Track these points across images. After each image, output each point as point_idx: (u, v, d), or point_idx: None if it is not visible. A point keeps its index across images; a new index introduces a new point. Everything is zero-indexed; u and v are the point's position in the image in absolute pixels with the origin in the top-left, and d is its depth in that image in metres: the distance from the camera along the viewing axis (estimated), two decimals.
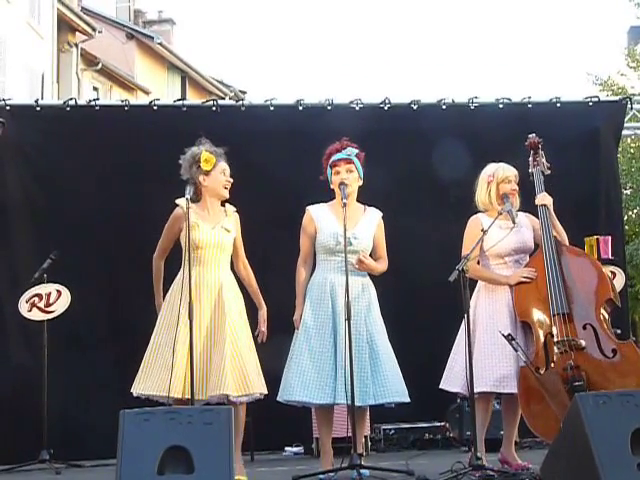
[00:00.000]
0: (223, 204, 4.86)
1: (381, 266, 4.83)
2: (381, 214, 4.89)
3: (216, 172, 4.76)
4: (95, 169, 6.30)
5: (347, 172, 4.75)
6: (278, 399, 4.64)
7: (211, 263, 4.72)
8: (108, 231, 6.25)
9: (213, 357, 4.54)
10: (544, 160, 5.05)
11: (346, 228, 4.52)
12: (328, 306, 4.66)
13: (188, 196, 4.53)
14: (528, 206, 4.93)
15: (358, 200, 4.83)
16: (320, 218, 4.79)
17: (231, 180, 4.79)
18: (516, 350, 4.47)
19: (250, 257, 4.90)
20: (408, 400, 4.63)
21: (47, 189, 6.33)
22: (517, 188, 4.89)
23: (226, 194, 4.79)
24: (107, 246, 6.25)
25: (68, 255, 5.92)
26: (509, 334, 4.50)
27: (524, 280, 4.68)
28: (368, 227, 4.80)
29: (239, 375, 4.52)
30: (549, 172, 5.03)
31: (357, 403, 4.40)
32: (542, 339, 4.56)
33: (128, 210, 6.17)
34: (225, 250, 4.77)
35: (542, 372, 4.47)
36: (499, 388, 4.62)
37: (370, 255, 4.76)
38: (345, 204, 4.55)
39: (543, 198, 4.87)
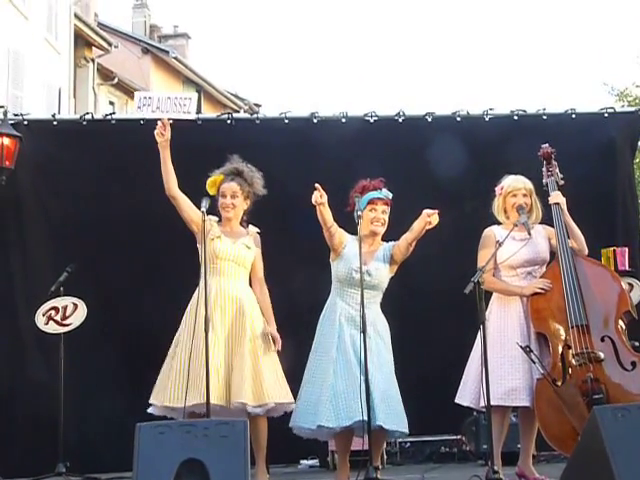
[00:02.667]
0: (244, 224, 4.97)
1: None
2: (393, 243, 4.88)
3: (219, 195, 4.91)
4: (111, 183, 6.32)
5: (382, 213, 4.81)
6: (291, 425, 4.64)
7: (230, 275, 4.81)
8: (125, 244, 6.26)
9: (234, 365, 4.61)
10: (557, 170, 5.03)
11: (363, 262, 4.57)
12: (336, 335, 4.64)
13: (204, 209, 4.61)
14: (544, 217, 4.91)
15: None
16: (348, 246, 4.78)
17: (231, 202, 4.86)
18: (534, 362, 4.43)
19: (267, 271, 4.94)
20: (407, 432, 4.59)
21: (64, 203, 6.35)
22: (528, 201, 4.86)
23: (226, 216, 4.89)
24: (124, 259, 6.26)
25: (85, 268, 5.94)
26: (527, 346, 4.46)
27: (539, 291, 4.65)
28: (383, 264, 4.81)
29: (256, 385, 4.58)
30: (562, 182, 5.01)
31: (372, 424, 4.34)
32: (559, 351, 4.52)
33: (145, 224, 6.18)
34: (244, 265, 4.85)
35: (559, 384, 4.43)
36: (507, 401, 4.57)
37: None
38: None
39: (556, 196, 4.84)
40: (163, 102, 4.82)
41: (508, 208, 4.88)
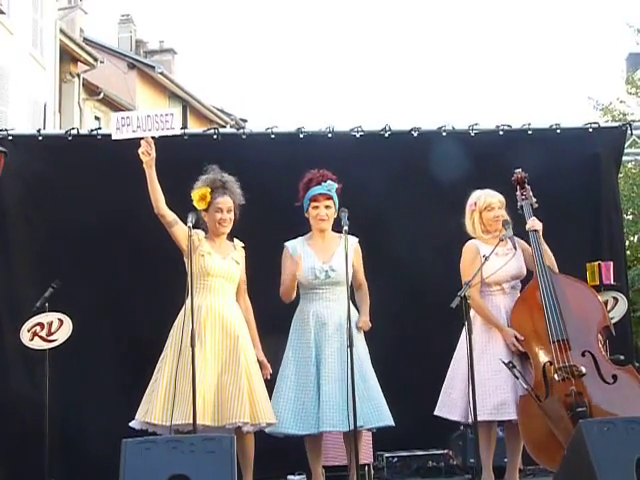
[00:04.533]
0: (231, 238, 4.93)
1: (367, 297, 4.97)
2: (357, 239, 4.99)
3: (212, 210, 4.84)
4: (97, 198, 6.31)
5: (325, 208, 4.90)
6: (266, 430, 4.72)
7: (220, 293, 4.78)
8: (109, 261, 6.25)
9: (227, 385, 4.57)
10: (531, 194, 5.10)
11: (324, 259, 4.77)
12: (310, 337, 4.77)
13: (190, 224, 4.58)
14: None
15: (334, 229, 4.97)
16: (299, 253, 4.88)
17: (228, 216, 4.83)
18: (517, 377, 4.46)
19: (249, 285, 4.97)
20: (393, 424, 4.74)
21: (49, 218, 6.33)
22: (503, 214, 4.93)
23: (222, 231, 4.86)
24: (110, 274, 6.25)
25: (70, 284, 5.92)
26: (510, 362, 4.51)
27: (515, 343, 4.67)
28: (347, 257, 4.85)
29: (251, 404, 4.57)
30: (537, 205, 5.08)
31: (344, 429, 4.50)
32: (541, 366, 4.55)
33: (130, 240, 6.17)
34: (233, 281, 4.84)
35: (543, 399, 4.45)
36: (497, 415, 4.62)
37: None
38: (346, 231, 4.61)
39: (534, 224, 4.92)
40: (143, 121, 4.73)
41: (486, 223, 4.93)
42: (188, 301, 4.52)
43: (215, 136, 6.48)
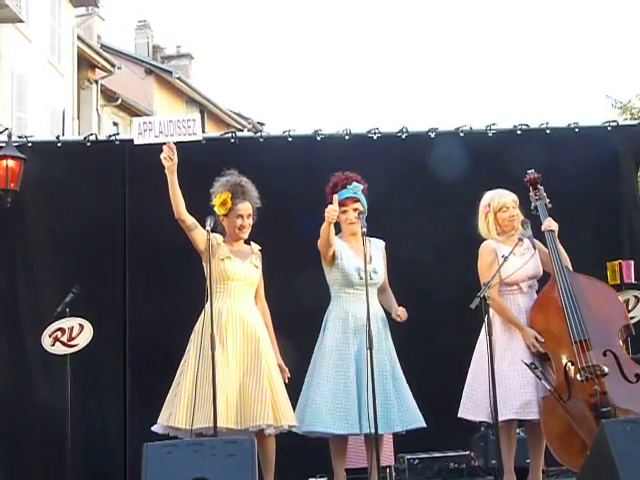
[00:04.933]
0: (248, 242, 4.94)
1: (393, 296, 5.00)
2: (384, 243, 5.02)
3: (232, 216, 4.84)
4: (116, 203, 6.34)
5: (354, 211, 4.87)
6: (295, 431, 4.68)
7: (241, 296, 4.79)
8: (129, 265, 6.28)
9: (249, 387, 4.58)
10: (545, 194, 5.07)
11: (367, 262, 4.62)
12: (350, 337, 4.74)
13: (209, 227, 4.59)
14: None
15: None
16: (341, 250, 4.86)
17: (249, 222, 4.84)
18: (540, 378, 4.44)
19: (267, 290, 4.98)
20: (425, 425, 4.75)
21: (69, 223, 6.37)
22: (518, 213, 4.91)
23: (242, 237, 4.87)
24: (130, 278, 6.27)
25: (91, 287, 5.95)
26: (532, 363, 4.49)
27: (535, 344, 4.65)
28: (379, 259, 4.93)
29: (273, 407, 4.57)
30: (550, 205, 5.05)
31: (386, 431, 4.55)
32: (562, 367, 4.54)
33: (150, 244, 6.20)
34: (253, 285, 4.86)
35: (566, 400, 4.43)
36: (523, 415, 4.60)
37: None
38: (364, 233, 4.61)
39: (550, 224, 4.89)
40: (165, 126, 4.76)
41: (502, 223, 4.91)
42: (208, 305, 4.53)
43: (233, 140, 6.50)
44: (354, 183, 4.88)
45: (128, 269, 6.27)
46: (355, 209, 4.86)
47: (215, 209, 4.83)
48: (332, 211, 4.57)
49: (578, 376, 4.44)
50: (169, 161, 4.62)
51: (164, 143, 4.68)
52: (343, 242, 4.91)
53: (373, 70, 56.29)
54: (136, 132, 4.78)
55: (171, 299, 6.04)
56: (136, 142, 4.81)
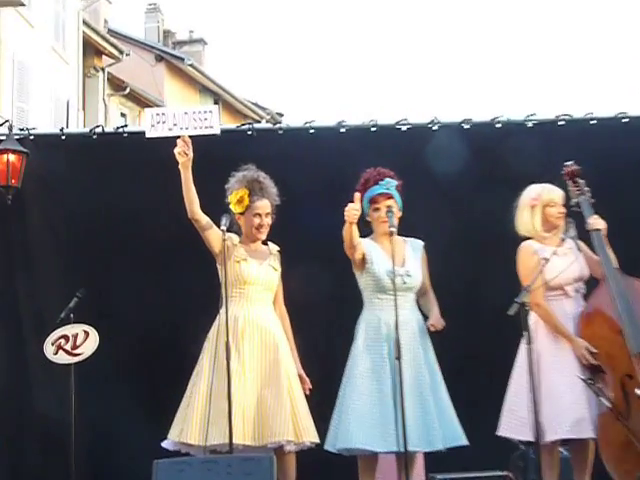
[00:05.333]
0: (265, 242, 4.93)
1: (435, 300, 4.93)
2: (422, 243, 4.98)
3: (249, 214, 4.85)
4: (124, 200, 6.33)
5: (386, 208, 4.84)
6: (328, 447, 4.67)
7: (258, 301, 4.80)
8: (138, 267, 6.27)
9: (268, 400, 4.57)
10: (586, 188, 4.98)
11: (399, 264, 4.66)
12: (383, 347, 4.69)
13: (224, 227, 4.58)
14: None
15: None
16: (371, 252, 4.82)
17: (267, 221, 4.85)
18: (598, 394, 4.36)
19: (286, 294, 5.00)
20: (467, 443, 4.71)
21: (73, 221, 6.37)
22: (565, 211, 4.85)
23: (260, 237, 4.87)
24: (137, 283, 6.26)
25: (96, 290, 5.97)
26: (589, 378, 4.41)
27: (587, 356, 4.56)
28: (416, 261, 4.86)
29: (294, 421, 4.57)
30: (594, 200, 4.96)
31: (426, 449, 4.55)
32: (619, 381, 4.46)
33: (160, 244, 6.20)
34: (271, 289, 4.87)
35: (625, 417, 4.36)
36: (577, 433, 4.50)
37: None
38: (392, 232, 4.59)
39: (596, 222, 4.79)
40: (180, 118, 4.76)
41: (550, 219, 4.84)
42: (223, 311, 4.52)
43: (250, 132, 6.47)
44: (387, 179, 4.85)
45: (135, 271, 6.26)
46: (388, 206, 4.82)
47: (231, 207, 4.83)
48: (352, 210, 4.54)
49: (638, 391, 4.36)
50: (184, 156, 4.62)
51: (178, 137, 4.67)
52: (374, 243, 4.88)
53: (401, 55, 56.19)
54: (148, 124, 4.78)
55: (182, 303, 6.02)
56: (148, 135, 4.81)
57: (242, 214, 4.87)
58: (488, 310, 5.48)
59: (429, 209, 6.10)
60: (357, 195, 4.65)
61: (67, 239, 6.39)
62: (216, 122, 4.79)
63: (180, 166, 4.65)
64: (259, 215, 4.84)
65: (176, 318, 6.03)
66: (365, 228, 5.03)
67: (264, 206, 4.85)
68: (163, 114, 4.80)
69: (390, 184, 4.85)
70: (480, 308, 5.85)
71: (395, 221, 4.78)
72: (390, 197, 4.85)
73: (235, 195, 4.85)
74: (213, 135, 4.87)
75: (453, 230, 6.04)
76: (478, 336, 5.90)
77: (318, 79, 53.34)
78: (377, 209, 4.83)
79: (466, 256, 5.97)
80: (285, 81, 50.46)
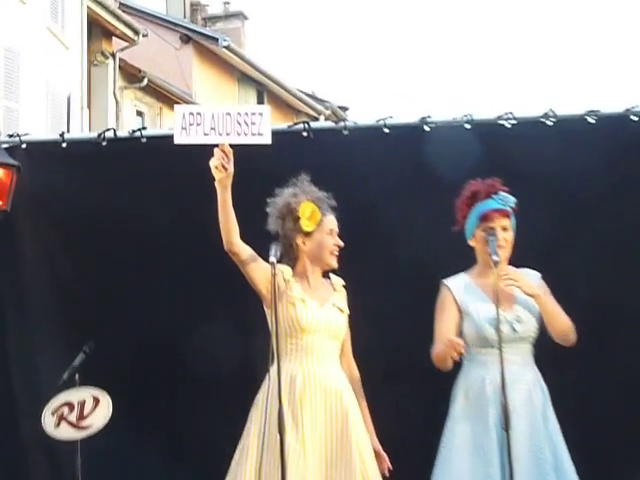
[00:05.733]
0: (325, 274, 4.96)
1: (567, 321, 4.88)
2: (539, 275, 5.01)
3: (322, 233, 4.88)
4: (142, 225, 6.38)
5: (502, 230, 4.86)
6: None
7: (321, 354, 4.81)
8: (155, 310, 6.32)
9: None
10: None
11: (502, 305, 4.66)
12: (488, 413, 4.72)
13: (274, 258, 4.59)
14: None
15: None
16: (465, 297, 4.86)
17: (340, 243, 4.89)
18: None
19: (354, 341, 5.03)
20: None
21: (77, 253, 6.44)
22: None
23: (334, 263, 4.88)
24: (153, 321, 6.30)
25: (105, 345, 6.02)
26: None
27: None
28: (529, 300, 4.87)
29: None
30: None
31: None
32: None
33: (182, 282, 6.27)
34: (337, 337, 4.89)
35: None
36: None
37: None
38: (496, 262, 4.60)
39: None
40: (220, 120, 4.75)
41: None
42: (274, 370, 4.53)
43: (305, 133, 6.48)
44: (502, 193, 4.86)
45: (155, 317, 6.29)
46: (504, 227, 4.85)
47: (302, 224, 4.83)
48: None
49: None
50: (222, 171, 4.61)
51: (216, 145, 4.67)
52: (472, 281, 4.88)
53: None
54: (178, 126, 4.78)
55: (205, 343, 6.05)
56: (177, 141, 4.82)
57: (308, 235, 4.86)
58: None
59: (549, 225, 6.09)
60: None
61: (70, 275, 6.46)
62: (267, 128, 4.78)
63: (217, 184, 4.62)
64: (331, 233, 4.87)
65: (208, 383, 6.07)
66: (466, 256, 5.05)
67: (334, 222, 4.92)
68: (198, 114, 4.79)
69: (507, 200, 4.88)
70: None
71: (505, 249, 4.82)
72: (507, 215, 4.88)
73: (306, 207, 4.85)
74: (261, 145, 4.87)
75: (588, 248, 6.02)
76: None
77: (390, 63, 53.60)
78: (490, 229, 4.83)
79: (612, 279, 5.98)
80: (349, 67, 50.74)
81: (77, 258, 6.45)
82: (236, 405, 5.08)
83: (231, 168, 4.61)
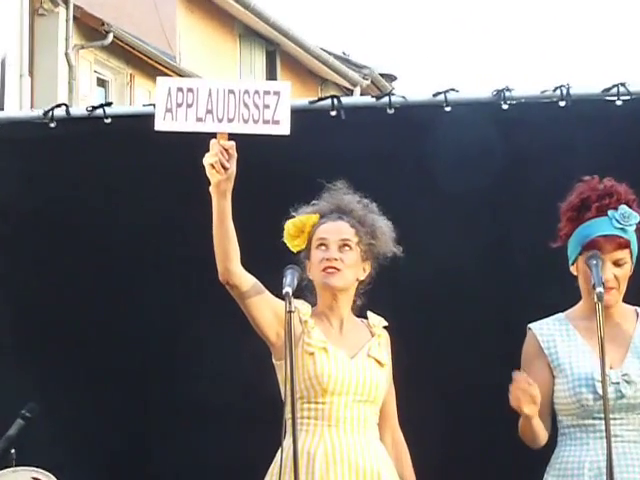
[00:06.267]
0: (362, 312, 5.04)
1: None
2: None
3: (313, 247, 4.94)
4: (101, 229, 6.50)
5: (614, 265, 4.82)
6: None
7: (351, 423, 4.85)
8: (124, 322, 6.51)
9: None
10: None
11: (611, 362, 4.65)
12: None
13: (289, 289, 4.60)
14: None
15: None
16: (557, 347, 4.89)
17: (341, 256, 4.90)
18: None
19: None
20: None
21: (19, 266, 6.63)
22: None
23: (329, 281, 4.89)
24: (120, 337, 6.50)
25: (51, 409, 6.15)
26: None
27: None
28: None
29: None
30: None
31: None
32: None
33: (150, 284, 6.47)
34: (374, 401, 4.92)
35: None
36: None
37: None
38: (600, 297, 4.56)
39: None
40: (221, 100, 4.69)
41: None
42: (288, 443, 4.60)
43: (334, 111, 6.55)
44: (623, 206, 4.81)
45: (121, 358, 6.46)
46: (617, 261, 4.81)
47: (287, 242, 4.96)
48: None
49: None
50: (220, 173, 4.57)
51: (213, 135, 4.69)
52: (572, 325, 4.92)
53: None
54: (162, 107, 4.72)
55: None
56: (158, 127, 4.78)
57: (308, 257, 4.92)
58: None
59: None
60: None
61: (16, 302, 6.63)
62: (285, 112, 4.69)
63: (212, 189, 4.60)
64: (323, 243, 4.87)
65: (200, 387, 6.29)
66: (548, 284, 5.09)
67: (336, 230, 4.89)
68: (190, 91, 4.66)
69: (629, 219, 4.79)
70: None
71: (615, 291, 4.79)
72: (625, 245, 4.83)
73: (289, 224, 4.91)
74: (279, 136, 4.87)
75: None
76: None
77: (442, 25, 53.88)
78: (597, 259, 4.77)
79: None
80: (395, 21, 50.84)
81: (19, 273, 6.66)
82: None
83: (233, 168, 4.55)
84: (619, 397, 4.72)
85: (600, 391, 4.64)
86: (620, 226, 4.77)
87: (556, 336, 4.90)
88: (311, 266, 4.92)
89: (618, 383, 4.73)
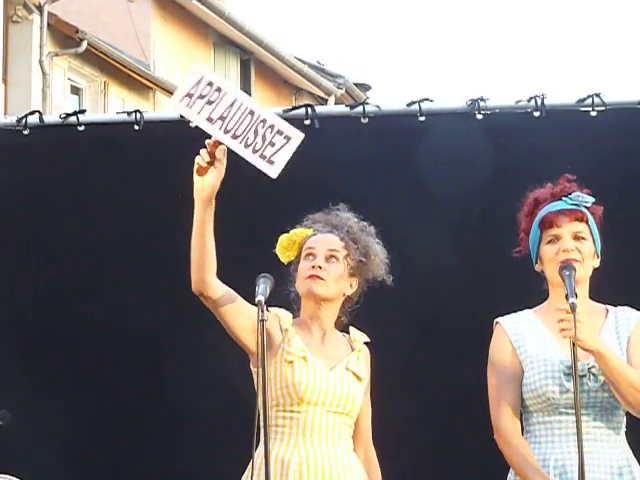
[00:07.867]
0: (345, 327, 5.05)
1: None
2: (635, 313, 4.96)
3: (302, 259, 4.95)
4: (72, 236, 6.48)
5: (574, 239, 4.78)
6: None
7: (326, 433, 4.84)
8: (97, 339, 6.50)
9: None
10: None
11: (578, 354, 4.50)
12: None
13: (262, 297, 4.58)
14: None
15: (592, 297, 4.93)
16: (525, 340, 4.88)
17: (327, 266, 4.90)
18: None
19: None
20: None
21: None
22: None
23: (313, 288, 4.87)
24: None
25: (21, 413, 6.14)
26: None
27: None
28: (619, 348, 4.84)
29: None
30: None
31: None
32: None
33: (127, 293, 6.45)
34: (349, 414, 4.91)
35: None
36: None
37: None
38: (574, 306, 4.55)
39: None
40: (237, 114, 4.58)
41: None
42: (259, 452, 4.59)
43: (308, 120, 6.55)
44: (576, 193, 4.79)
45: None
46: (577, 234, 4.78)
47: (279, 254, 4.97)
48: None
49: None
50: (206, 171, 4.56)
51: (197, 143, 4.66)
52: (536, 321, 4.90)
53: None
54: (185, 90, 4.60)
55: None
56: (174, 105, 4.68)
57: (296, 269, 4.93)
58: None
59: None
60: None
61: None
62: (283, 159, 4.57)
63: (196, 195, 4.60)
64: (311, 254, 4.87)
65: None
66: (532, 288, 5.12)
67: (325, 241, 4.89)
68: (217, 90, 4.51)
69: (582, 199, 4.79)
70: None
71: (579, 265, 4.69)
72: (581, 219, 4.79)
73: (282, 238, 4.92)
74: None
75: None
76: None
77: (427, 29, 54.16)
78: (556, 238, 4.75)
79: None
80: (370, 30, 51.03)
81: None
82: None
83: (222, 169, 4.55)
84: (590, 391, 4.67)
85: (566, 384, 4.62)
86: (574, 202, 4.80)
87: (524, 330, 4.86)
88: (298, 277, 4.94)
89: (584, 376, 4.66)
